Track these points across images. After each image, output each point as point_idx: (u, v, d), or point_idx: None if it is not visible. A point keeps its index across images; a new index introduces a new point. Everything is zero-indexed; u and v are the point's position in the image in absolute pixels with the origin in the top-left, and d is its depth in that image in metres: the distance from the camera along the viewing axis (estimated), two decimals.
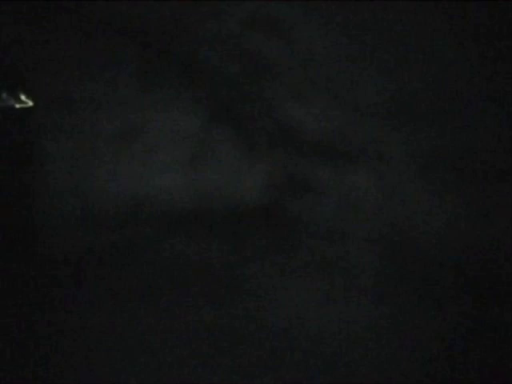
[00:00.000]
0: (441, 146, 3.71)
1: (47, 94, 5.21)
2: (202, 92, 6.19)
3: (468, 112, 3.15)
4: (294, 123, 5.11)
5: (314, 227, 5.84)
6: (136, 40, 5.48)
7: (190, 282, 4.28)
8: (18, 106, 5.06)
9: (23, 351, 3.10)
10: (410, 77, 3.07)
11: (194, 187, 6.33)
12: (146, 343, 3.15)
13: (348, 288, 4.00)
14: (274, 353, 2.99)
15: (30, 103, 5.21)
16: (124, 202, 5.87)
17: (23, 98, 4.99)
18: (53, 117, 5.28)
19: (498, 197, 3.62)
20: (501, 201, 3.61)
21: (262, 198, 6.79)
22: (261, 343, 3.12)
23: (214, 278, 4.39)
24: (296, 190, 6.10)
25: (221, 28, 3.74)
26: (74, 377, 2.78)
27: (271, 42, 3.52)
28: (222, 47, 4.12)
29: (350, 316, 3.48)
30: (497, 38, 2.26)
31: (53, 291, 4.09)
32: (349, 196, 5.10)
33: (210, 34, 3.98)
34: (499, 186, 3.57)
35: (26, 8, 4.61)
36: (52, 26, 5.12)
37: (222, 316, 3.54)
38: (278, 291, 4.03)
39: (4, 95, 5.03)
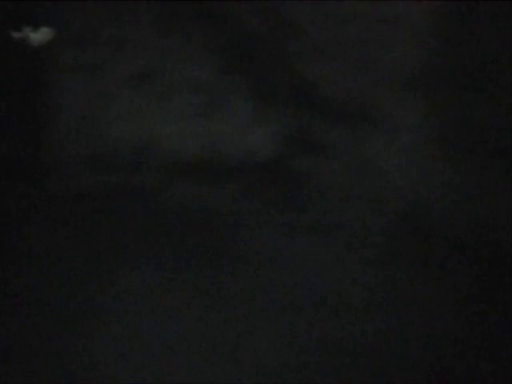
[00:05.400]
0: (454, 119, 3.70)
1: (68, 30, 5.16)
2: (219, 41, 6.10)
3: (484, 87, 3.12)
4: (311, 81, 5.05)
5: (321, 187, 5.87)
6: None
7: (192, 232, 4.32)
8: (37, 39, 5.03)
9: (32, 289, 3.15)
10: (429, 48, 3.03)
11: (204, 136, 6.34)
12: (145, 291, 3.20)
13: (352, 251, 4.06)
14: (272, 312, 3.08)
15: (50, 37, 5.15)
16: (132, 145, 5.90)
17: (44, 31, 4.93)
18: (70, 54, 5.25)
19: (509, 174, 3.63)
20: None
21: (272, 152, 6.79)
22: (260, 301, 3.19)
23: (217, 229, 4.43)
24: (307, 148, 6.09)
25: None
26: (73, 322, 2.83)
27: None
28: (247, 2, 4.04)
29: (353, 279, 3.54)
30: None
31: (58, 230, 4.15)
32: (359, 159, 5.10)
33: None
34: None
35: None
36: None
37: (222, 269, 3.60)
38: (282, 248, 4.07)
39: (24, 27, 4.98)
